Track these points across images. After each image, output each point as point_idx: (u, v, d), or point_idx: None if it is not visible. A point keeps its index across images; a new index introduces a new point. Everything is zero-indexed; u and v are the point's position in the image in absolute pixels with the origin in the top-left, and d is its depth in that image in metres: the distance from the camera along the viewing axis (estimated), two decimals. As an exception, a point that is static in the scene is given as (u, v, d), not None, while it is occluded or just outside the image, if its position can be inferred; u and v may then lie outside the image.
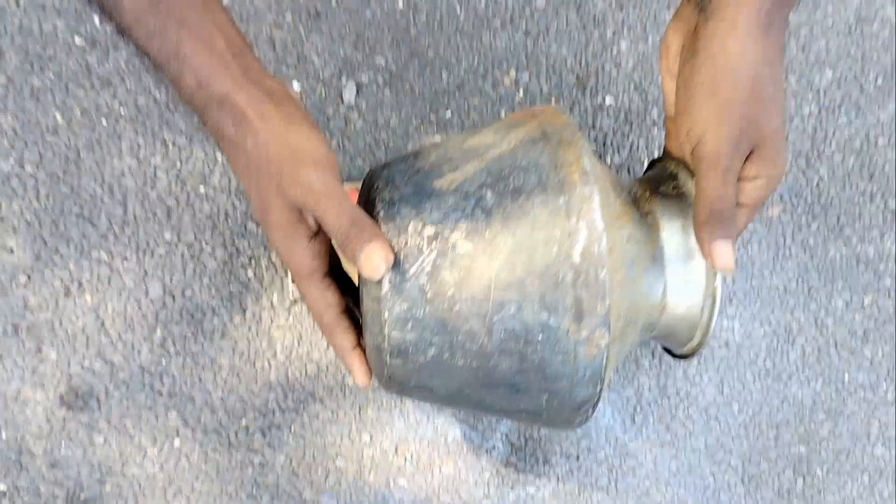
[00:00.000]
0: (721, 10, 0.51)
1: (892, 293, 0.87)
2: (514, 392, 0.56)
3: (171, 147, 0.78)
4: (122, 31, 0.49)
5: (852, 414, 0.83)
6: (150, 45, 0.48)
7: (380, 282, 0.52)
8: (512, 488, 0.76)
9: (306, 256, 0.51)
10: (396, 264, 0.51)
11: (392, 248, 0.49)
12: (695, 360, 0.82)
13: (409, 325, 0.52)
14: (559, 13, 0.89)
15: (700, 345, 0.64)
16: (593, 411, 0.59)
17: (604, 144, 0.86)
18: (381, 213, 0.53)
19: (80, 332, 0.73)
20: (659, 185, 0.63)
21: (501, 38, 0.87)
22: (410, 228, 0.52)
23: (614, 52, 0.89)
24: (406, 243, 0.52)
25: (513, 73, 0.86)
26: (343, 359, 0.55)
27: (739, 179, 0.54)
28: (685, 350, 0.68)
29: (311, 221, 0.50)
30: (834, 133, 0.87)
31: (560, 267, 0.53)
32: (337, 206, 0.47)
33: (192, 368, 0.74)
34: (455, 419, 0.76)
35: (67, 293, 0.73)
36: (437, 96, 0.84)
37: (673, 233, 0.60)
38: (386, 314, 0.52)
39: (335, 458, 0.74)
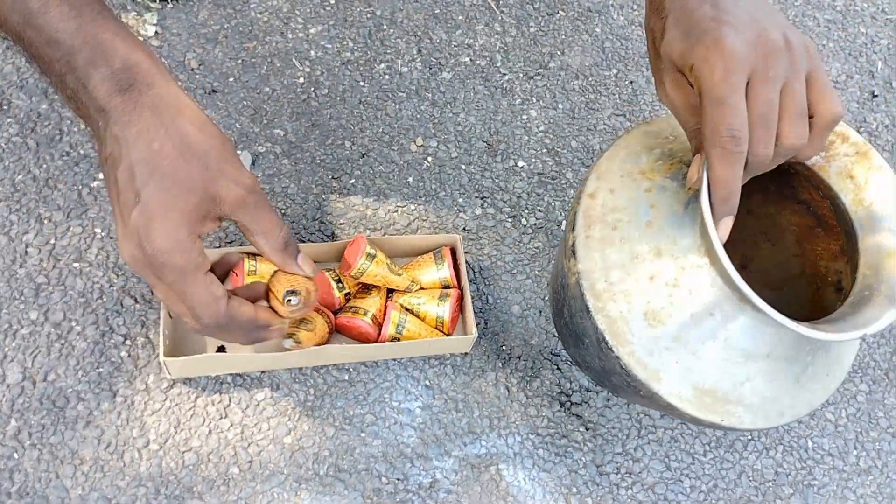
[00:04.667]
0: None
1: (847, 350, 0.79)
2: None
3: (46, 223, 0.72)
4: (10, 32, 0.47)
5: (822, 486, 0.73)
6: (61, 28, 0.45)
7: None
8: (429, 592, 0.63)
9: (197, 251, 0.48)
10: None
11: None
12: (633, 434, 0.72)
13: None
14: (466, 84, 0.88)
15: None
16: None
17: (517, 206, 0.81)
18: None
19: (-82, 425, 0.63)
20: None
21: (407, 108, 0.85)
22: None
23: (524, 118, 0.86)
24: None
25: (420, 140, 0.83)
26: (258, 330, 0.54)
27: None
28: None
29: (213, 221, 0.49)
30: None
31: None
32: (273, 213, 0.51)
33: (48, 463, 0.64)
34: (359, 510, 0.66)
35: None
36: (340, 164, 0.80)
37: None
38: None
39: (215, 563, 0.62)
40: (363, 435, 0.68)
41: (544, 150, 0.84)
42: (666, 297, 0.53)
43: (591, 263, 0.55)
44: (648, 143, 0.60)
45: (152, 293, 0.71)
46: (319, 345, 0.66)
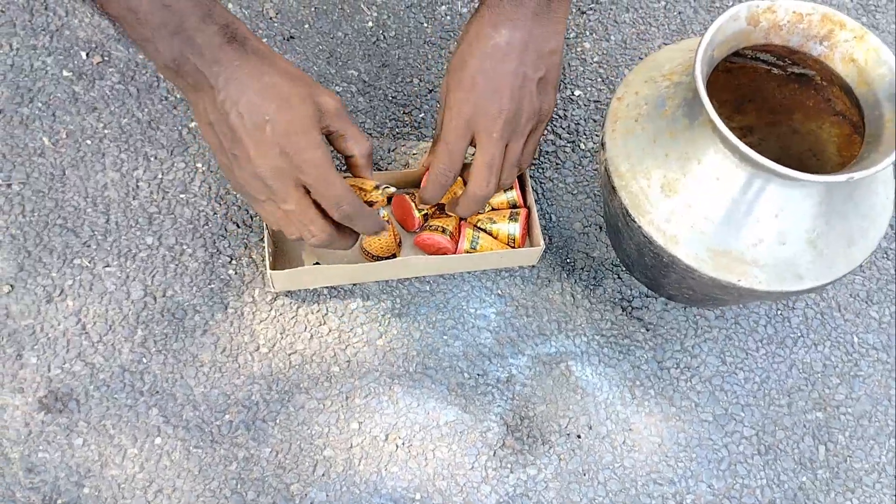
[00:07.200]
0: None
1: (890, 254, 0.85)
2: None
3: (153, 160, 0.81)
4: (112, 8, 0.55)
5: (868, 377, 0.79)
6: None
7: None
8: (511, 471, 0.71)
9: (326, 147, 0.57)
10: None
11: None
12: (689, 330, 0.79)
13: None
14: (522, 22, 0.93)
15: None
16: None
17: (576, 132, 0.87)
18: None
19: (61, 335, 0.72)
20: None
21: (468, 46, 0.91)
22: None
23: (579, 50, 0.92)
24: None
25: (481, 75, 0.89)
26: (371, 220, 0.62)
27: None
28: None
29: (322, 130, 0.58)
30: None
31: None
32: (361, 133, 0.62)
33: (173, 366, 0.73)
34: (446, 402, 0.74)
35: (49, 300, 0.74)
36: (410, 100, 0.87)
37: None
38: None
39: (323, 448, 0.71)
40: (445, 337, 0.76)
41: (599, 80, 0.90)
42: (678, 169, 0.60)
43: (615, 150, 0.63)
44: (671, 56, 0.66)
45: (258, 216, 0.79)
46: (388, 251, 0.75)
